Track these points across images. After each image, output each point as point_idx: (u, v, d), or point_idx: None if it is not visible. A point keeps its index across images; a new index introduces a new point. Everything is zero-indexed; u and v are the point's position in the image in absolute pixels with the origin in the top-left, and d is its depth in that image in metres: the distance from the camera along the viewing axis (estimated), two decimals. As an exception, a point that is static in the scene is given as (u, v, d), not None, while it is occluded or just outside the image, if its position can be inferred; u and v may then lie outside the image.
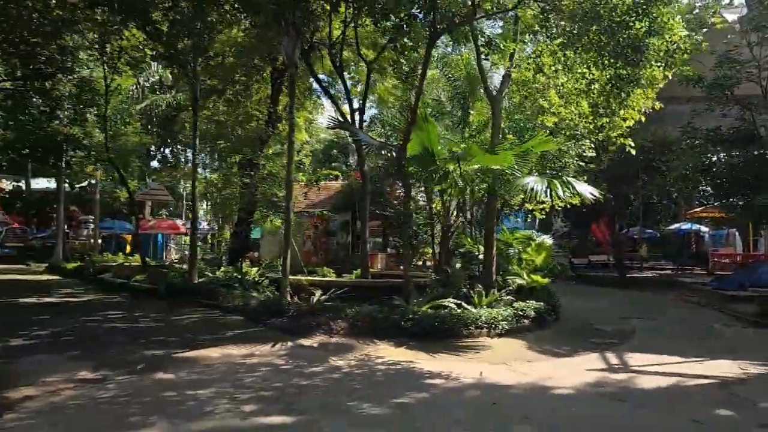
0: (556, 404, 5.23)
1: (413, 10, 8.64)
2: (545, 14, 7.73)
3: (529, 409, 4.97)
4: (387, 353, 7.35)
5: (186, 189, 30.30)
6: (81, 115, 14.26)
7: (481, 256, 12.60)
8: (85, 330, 8.77)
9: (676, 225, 25.72)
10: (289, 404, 5.01)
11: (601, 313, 11.66)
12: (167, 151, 25.68)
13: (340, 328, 8.65)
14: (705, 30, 13.73)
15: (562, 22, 7.92)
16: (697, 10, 15.20)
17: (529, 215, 20.63)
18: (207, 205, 33.27)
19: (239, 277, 12.88)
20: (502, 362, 6.94)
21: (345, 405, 5.01)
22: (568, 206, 13.43)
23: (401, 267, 18.38)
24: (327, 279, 13.04)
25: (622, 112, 9.01)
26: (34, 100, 13.29)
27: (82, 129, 14.60)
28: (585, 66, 8.20)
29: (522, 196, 12.06)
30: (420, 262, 21.24)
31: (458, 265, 12.21)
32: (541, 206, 13.63)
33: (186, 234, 27.30)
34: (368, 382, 5.87)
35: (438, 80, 16.60)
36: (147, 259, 19.50)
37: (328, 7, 11.08)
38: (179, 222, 29.07)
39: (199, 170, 26.18)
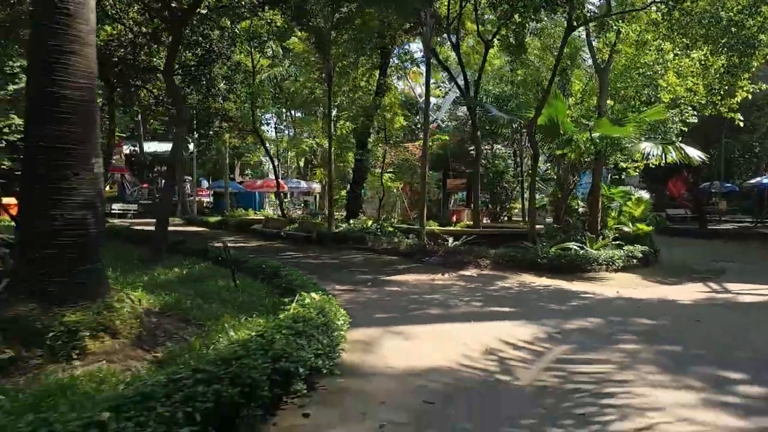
0: (683, 309, 7.52)
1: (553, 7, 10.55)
2: (671, 14, 9.44)
3: (665, 310, 7.29)
4: (534, 280, 9.80)
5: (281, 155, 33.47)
6: (233, 93, 17.12)
7: (580, 210, 14.75)
8: (294, 264, 11.73)
9: (757, 179, 26.33)
10: (500, 303, 7.58)
11: (692, 257, 13.57)
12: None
13: (485, 264, 11.18)
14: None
15: (686, 19, 9.59)
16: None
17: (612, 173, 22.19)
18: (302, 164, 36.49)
19: (377, 227, 15.64)
20: (627, 287, 9.24)
21: (537, 304, 7.52)
22: (650, 164, 15.10)
23: (487, 220, 20.72)
24: (453, 228, 15.56)
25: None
26: (202, 82, 16.21)
27: (234, 104, 17.51)
28: (702, 54, 9.90)
29: (619, 157, 13.96)
30: (506, 217, 23.50)
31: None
32: (635, 165, 15.42)
33: (281, 192, 30.80)
34: (539, 294, 8.37)
35: (534, 49, 18.20)
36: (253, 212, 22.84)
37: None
38: (281, 182, 32.57)
39: (306, 136, 29.13)
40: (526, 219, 21.79)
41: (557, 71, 11.50)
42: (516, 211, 23.47)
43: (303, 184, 35.35)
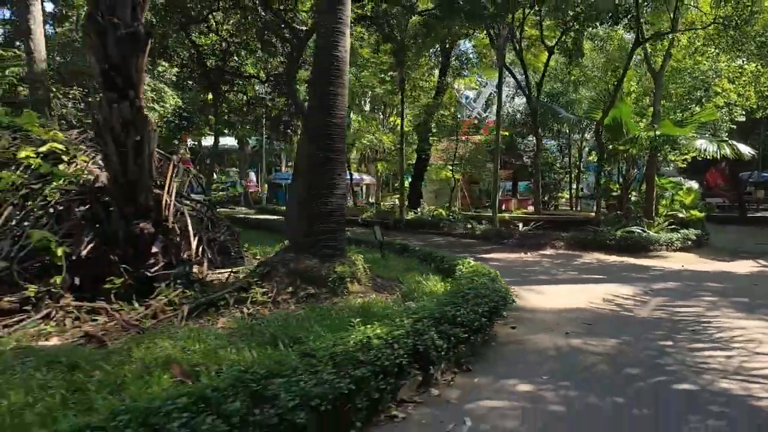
0: (741, 277, 9.31)
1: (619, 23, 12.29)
2: (726, 32, 11.08)
3: (727, 278, 9.11)
4: (607, 258, 11.66)
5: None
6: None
7: (633, 198, 16.44)
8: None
9: (795, 170, 27.42)
10: (590, 272, 9.51)
11: (736, 240, 15.18)
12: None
13: (560, 245, 13.08)
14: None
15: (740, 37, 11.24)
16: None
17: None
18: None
19: (449, 214, 17.62)
20: (689, 263, 11.03)
21: (621, 274, 9.42)
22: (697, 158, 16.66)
23: (532, 209, 22.38)
24: (522, 215, 17.43)
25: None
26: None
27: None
28: (754, 66, 11.54)
29: (671, 151, 15.61)
30: (553, 206, 25.23)
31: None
32: (683, 158, 17.02)
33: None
34: (618, 267, 10.26)
35: (587, 50, 19.78)
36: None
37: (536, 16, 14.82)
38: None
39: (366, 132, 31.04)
40: (574, 208, 23.55)
41: (622, 80, 13.23)
42: (563, 200, 25.15)
43: (356, 176, 37.47)
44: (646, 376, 4.21)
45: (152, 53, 18.91)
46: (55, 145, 6.17)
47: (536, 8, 14.55)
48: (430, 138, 22.11)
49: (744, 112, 14.05)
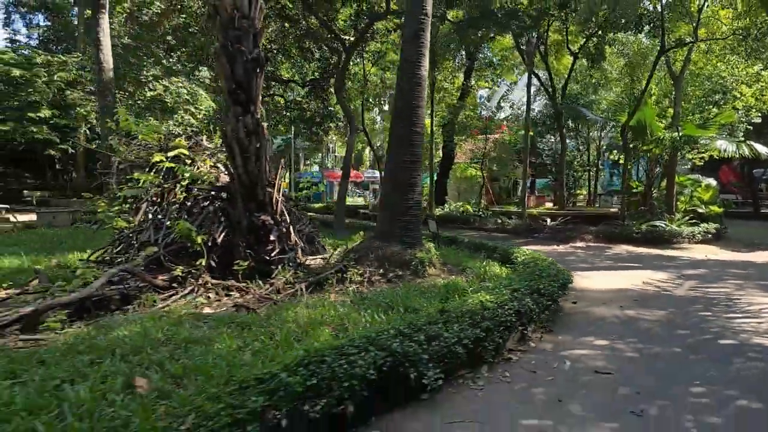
0: (762, 265, 10.30)
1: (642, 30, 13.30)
2: (746, 41, 12.07)
3: (750, 266, 10.11)
4: (634, 249, 12.68)
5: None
6: (347, 98, 20.34)
7: (654, 194, 17.41)
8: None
9: (805, 168, 28.20)
10: (624, 261, 10.55)
11: (752, 234, 16.13)
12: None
13: (589, 238, 14.11)
14: None
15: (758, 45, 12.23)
16: None
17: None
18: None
19: (477, 210, 18.68)
20: (711, 253, 12.04)
21: (652, 262, 10.45)
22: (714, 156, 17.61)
23: (550, 205, 23.32)
24: (550, 211, 18.44)
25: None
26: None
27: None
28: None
29: (689, 150, 16.59)
30: (571, 203, 26.17)
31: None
32: (700, 156, 17.98)
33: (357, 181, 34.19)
34: (647, 257, 11.29)
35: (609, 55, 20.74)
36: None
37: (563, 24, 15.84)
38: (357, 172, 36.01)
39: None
40: (592, 204, 24.52)
41: (647, 86, 14.24)
42: (581, 197, 26.12)
43: (377, 173, 38.73)
44: (694, 335, 5.29)
45: (193, 59, 20.15)
46: (182, 150, 7.30)
47: (565, 18, 15.60)
48: (455, 137, 23.18)
49: (760, 114, 15.01)
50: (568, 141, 27.55)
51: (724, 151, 13.41)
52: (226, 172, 7.31)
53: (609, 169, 30.76)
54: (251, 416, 2.70)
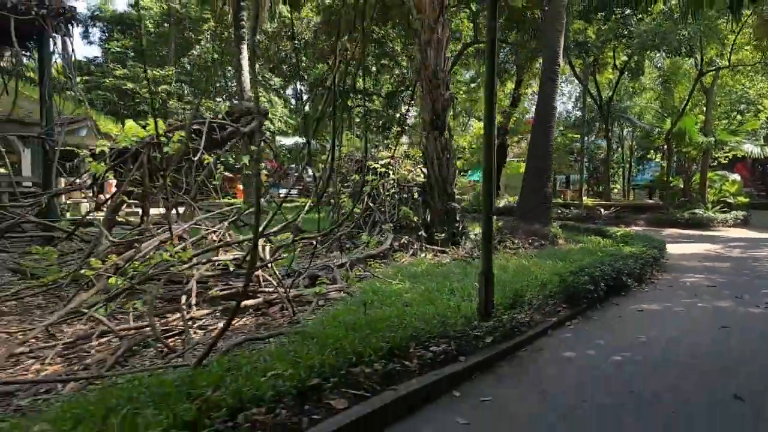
0: (784, 241, 13.54)
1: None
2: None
3: (775, 241, 13.35)
4: (681, 231, 15.92)
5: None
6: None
7: (681, 187, 20.58)
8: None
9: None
10: (680, 238, 13.80)
11: (773, 221, 19.33)
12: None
13: (640, 223, 17.36)
14: None
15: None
16: None
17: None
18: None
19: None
20: (744, 233, 15.27)
21: (701, 239, 13.69)
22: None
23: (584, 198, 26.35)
24: (603, 202, 21.64)
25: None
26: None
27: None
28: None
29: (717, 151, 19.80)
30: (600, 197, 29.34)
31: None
32: (725, 155, 21.18)
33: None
34: (694, 236, 14.52)
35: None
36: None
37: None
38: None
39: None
40: (626, 197, 27.71)
41: (688, 101, 17.46)
42: (615, 190, 29.33)
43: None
44: (752, 272, 8.57)
45: (279, 71, 23.46)
46: (388, 160, 10.62)
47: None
48: (507, 137, 26.44)
49: (779, 121, 18.26)
50: (602, 142, 30.83)
51: (751, 152, 16.63)
52: (422, 174, 10.61)
53: (638, 165, 34.08)
54: (578, 281, 5.99)
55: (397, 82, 22.65)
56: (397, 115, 24.94)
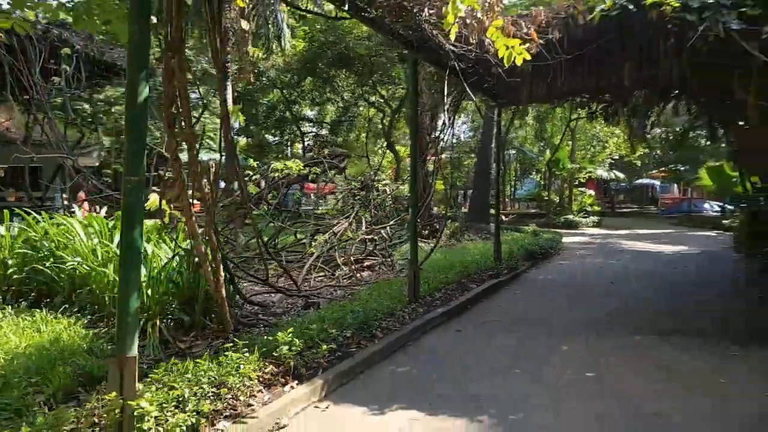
0: (625, 234, 20.76)
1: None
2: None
3: (618, 235, 20.49)
4: (559, 231, 22.71)
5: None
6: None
7: (557, 200, 28.10)
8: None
9: None
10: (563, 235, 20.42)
11: (615, 222, 27.33)
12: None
13: (533, 225, 24.00)
14: None
15: None
16: None
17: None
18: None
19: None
20: (599, 230, 22.44)
21: (574, 234, 20.41)
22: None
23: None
24: (502, 211, 28.23)
25: None
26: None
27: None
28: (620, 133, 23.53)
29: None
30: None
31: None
32: (583, 177, 29.15)
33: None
34: (570, 233, 21.29)
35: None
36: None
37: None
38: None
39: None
40: (512, 207, 35.15)
41: (562, 139, 24.70)
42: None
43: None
44: (611, 249, 14.84)
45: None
46: (386, 180, 15.40)
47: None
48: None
49: (617, 155, 26.26)
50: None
51: (600, 176, 24.17)
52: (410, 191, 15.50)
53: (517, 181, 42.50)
54: (532, 248, 11.38)
55: (341, 111, 27.27)
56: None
